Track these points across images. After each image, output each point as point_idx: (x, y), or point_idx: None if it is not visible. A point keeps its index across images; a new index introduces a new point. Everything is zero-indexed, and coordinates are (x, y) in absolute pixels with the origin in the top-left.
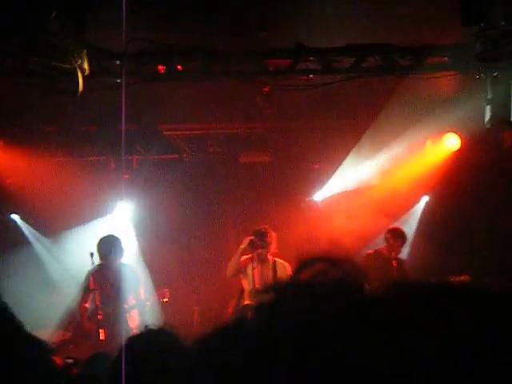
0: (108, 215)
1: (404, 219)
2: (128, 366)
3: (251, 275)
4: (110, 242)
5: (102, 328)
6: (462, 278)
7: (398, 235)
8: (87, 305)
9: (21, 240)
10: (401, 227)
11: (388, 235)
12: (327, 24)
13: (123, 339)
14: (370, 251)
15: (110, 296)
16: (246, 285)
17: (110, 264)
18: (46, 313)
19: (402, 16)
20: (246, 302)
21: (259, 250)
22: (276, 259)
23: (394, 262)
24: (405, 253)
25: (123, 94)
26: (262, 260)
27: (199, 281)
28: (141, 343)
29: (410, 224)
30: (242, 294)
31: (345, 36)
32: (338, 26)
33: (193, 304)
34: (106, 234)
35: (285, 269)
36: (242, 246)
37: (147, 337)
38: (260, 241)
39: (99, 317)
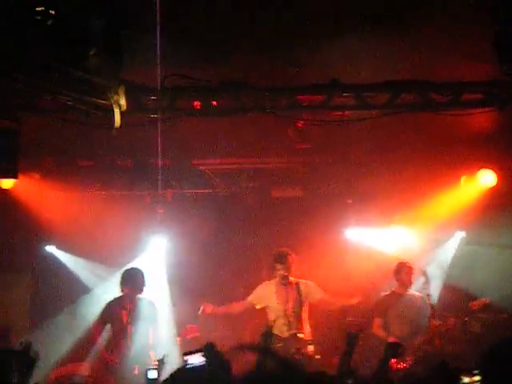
0: (143, 250)
1: (436, 253)
2: None
3: (277, 302)
4: (130, 274)
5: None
6: (484, 300)
7: (401, 267)
8: (96, 337)
9: (58, 269)
10: (402, 260)
11: (394, 270)
12: (361, 59)
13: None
14: (385, 293)
15: (126, 328)
16: (274, 311)
17: (128, 296)
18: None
19: (437, 52)
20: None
21: (281, 272)
22: (299, 280)
23: (412, 297)
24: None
25: (159, 130)
26: (285, 283)
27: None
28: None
29: (445, 256)
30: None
31: (379, 72)
32: (372, 62)
33: (225, 339)
34: (130, 266)
35: (309, 287)
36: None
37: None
38: (281, 263)
39: (129, 350)
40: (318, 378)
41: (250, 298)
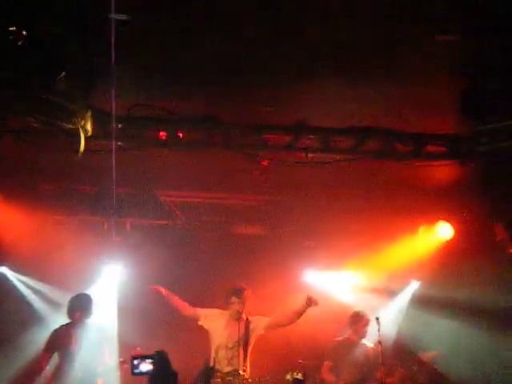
0: (97, 277)
1: (392, 300)
2: None
3: (223, 331)
4: (80, 300)
5: None
6: (433, 353)
7: (358, 318)
8: (44, 366)
9: (9, 291)
10: (359, 310)
11: (351, 320)
12: (329, 104)
13: None
14: (338, 338)
15: (74, 355)
16: (218, 339)
17: (76, 323)
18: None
19: (403, 102)
20: (212, 364)
21: (235, 306)
22: (249, 316)
23: (364, 347)
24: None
25: (113, 157)
26: (237, 318)
27: (186, 343)
28: None
29: (399, 304)
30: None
31: (346, 116)
32: (340, 108)
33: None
34: (78, 294)
35: (256, 321)
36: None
37: None
38: (237, 297)
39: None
40: None
41: (200, 311)
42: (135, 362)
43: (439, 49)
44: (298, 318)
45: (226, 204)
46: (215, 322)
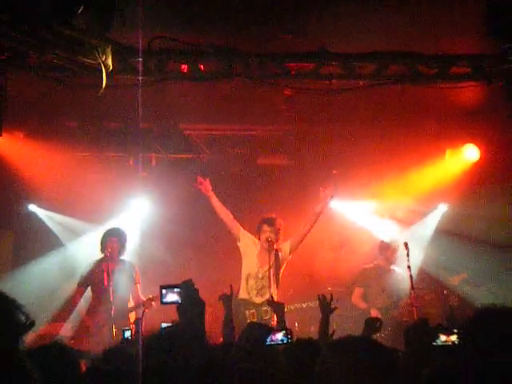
0: (123, 212)
1: (418, 225)
2: (150, 361)
3: (255, 259)
4: (116, 233)
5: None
6: (462, 275)
7: (386, 246)
8: (77, 299)
9: (40, 228)
10: (390, 241)
11: (379, 248)
12: (351, 30)
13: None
14: (368, 265)
15: (107, 291)
16: (248, 268)
17: (110, 258)
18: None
19: (426, 24)
20: (242, 295)
21: (267, 234)
22: (280, 246)
23: (394, 273)
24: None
25: (139, 91)
26: (268, 248)
27: (213, 282)
28: (164, 339)
29: (427, 229)
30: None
31: (369, 42)
32: (363, 32)
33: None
34: (110, 227)
35: (283, 248)
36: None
37: (169, 333)
38: (269, 225)
39: (111, 312)
40: (304, 345)
41: (241, 229)
42: (163, 291)
43: None
44: (317, 217)
45: (249, 135)
46: (250, 248)
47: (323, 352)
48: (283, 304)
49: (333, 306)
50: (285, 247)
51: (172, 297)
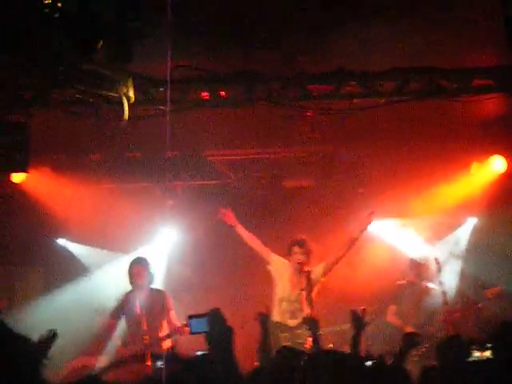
0: (151, 243)
1: (448, 240)
2: None
3: (288, 282)
4: (140, 264)
5: (147, 352)
6: (498, 288)
7: (417, 263)
8: (111, 331)
9: (70, 262)
10: (419, 260)
11: (410, 265)
12: (370, 48)
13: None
14: (401, 282)
15: (140, 320)
16: (281, 291)
17: (140, 287)
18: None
19: (444, 39)
20: (276, 318)
21: (298, 256)
22: (309, 270)
23: (427, 288)
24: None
25: (168, 120)
26: (299, 269)
27: (242, 306)
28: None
29: (457, 244)
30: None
31: (388, 60)
32: (380, 50)
33: (237, 329)
34: (136, 256)
35: (316, 269)
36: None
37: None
38: (299, 246)
39: (145, 341)
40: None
41: (271, 253)
42: (191, 321)
43: None
44: (353, 242)
45: (274, 159)
46: (281, 271)
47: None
48: (318, 321)
49: (366, 321)
50: (318, 269)
51: (200, 326)
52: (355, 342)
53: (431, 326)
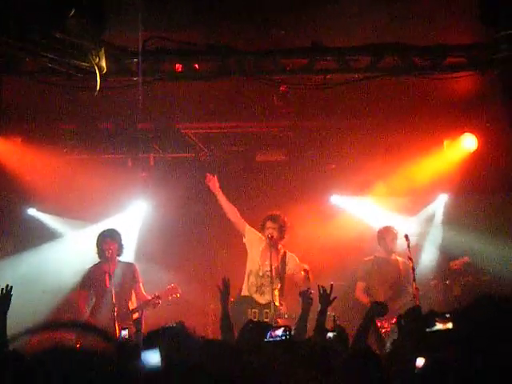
0: (122, 213)
1: (420, 216)
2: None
3: (258, 257)
4: (109, 236)
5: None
6: (464, 259)
7: (386, 232)
8: (82, 303)
9: (41, 232)
10: (386, 225)
11: (378, 236)
12: (344, 23)
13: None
14: (368, 258)
15: (106, 293)
16: (251, 265)
17: (108, 260)
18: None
19: (418, 15)
20: (244, 292)
21: (270, 230)
22: (286, 251)
23: (395, 262)
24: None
25: (140, 91)
26: (273, 245)
27: (214, 278)
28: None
29: (428, 219)
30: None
31: (362, 36)
32: (355, 26)
33: (208, 302)
34: (105, 228)
35: (294, 261)
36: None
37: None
38: (272, 221)
39: (114, 313)
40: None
41: (247, 226)
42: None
43: None
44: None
45: (247, 132)
46: (254, 245)
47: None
48: (312, 299)
49: (332, 297)
50: (297, 272)
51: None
52: (320, 317)
53: (400, 301)
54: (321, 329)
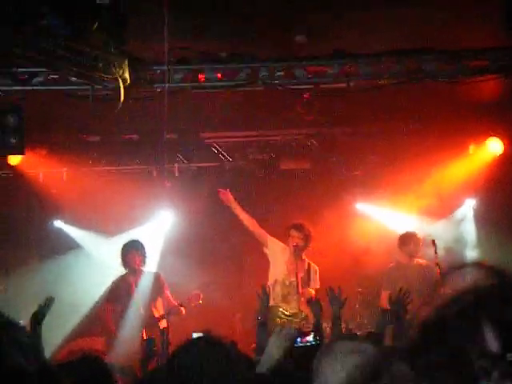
0: (148, 224)
1: (447, 221)
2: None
3: (283, 266)
4: (134, 248)
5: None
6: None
7: (408, 239)
8: (109, 316)
9: (66, 244)
10: (408, 231)
11: (400, 242)
12: (368, 29)
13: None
14: (391, 265)
15: (133, 303)
16: (276, 274)
17: (133, 271)
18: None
19: (443, 20)
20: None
21: (295, 240)
22: (311, 262)
23: (418, 267)
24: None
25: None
26: (297, 255)
27: (240, 288)
28: (191, 353)
29: (455, 224)
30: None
31: (387, 41)
32: (380, 31)
33: (234, 311)
34: (129, 240)
35: (316, 273)
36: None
37: (197, 347)
38: (297, 230)
39: (141, 323)
40: None
41: (268, 236)
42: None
43: None
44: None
45: (271, 141)
46: (277, 254)
47: None
48: (321, 304)
49: (343, 299)
50: (315, 282)
51: None
52: (335, 320)
53: (428, 308)
54: (338, 334)
